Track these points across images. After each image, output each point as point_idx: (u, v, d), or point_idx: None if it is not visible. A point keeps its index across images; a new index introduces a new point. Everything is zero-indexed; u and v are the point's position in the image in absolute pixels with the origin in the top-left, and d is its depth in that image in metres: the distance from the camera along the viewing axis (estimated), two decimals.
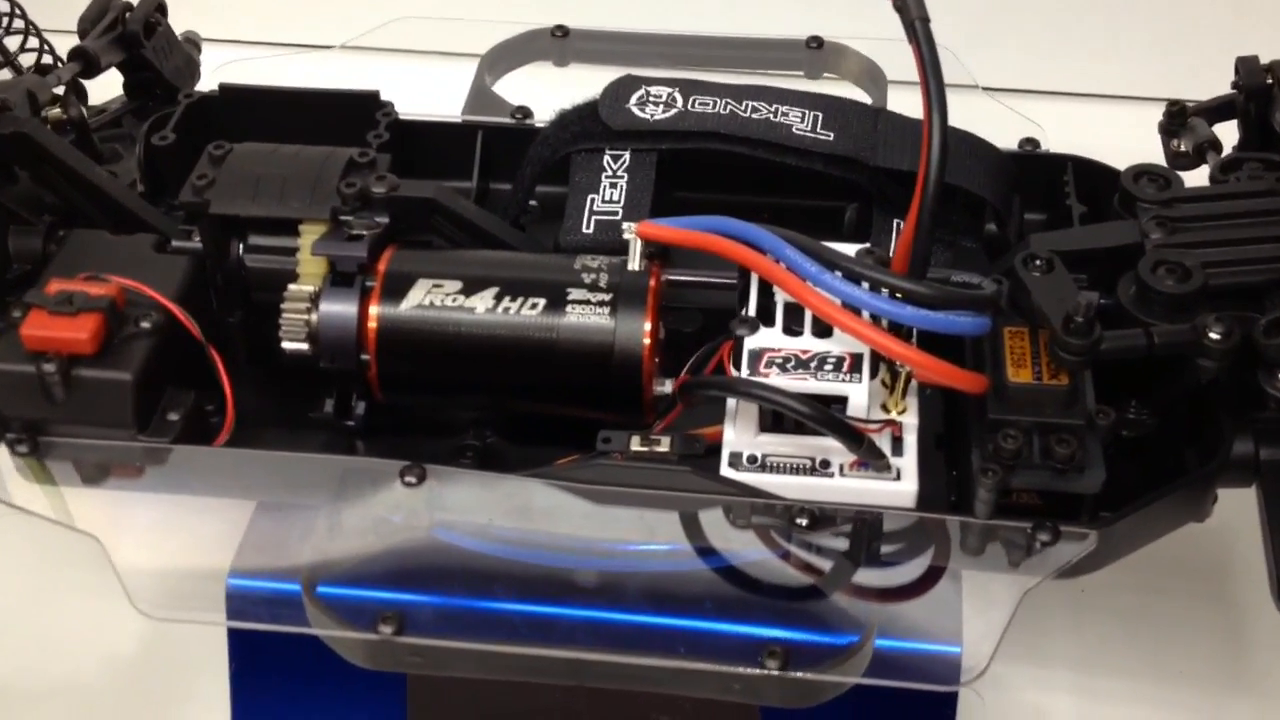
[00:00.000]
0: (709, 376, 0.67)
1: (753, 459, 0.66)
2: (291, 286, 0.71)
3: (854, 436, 0.64)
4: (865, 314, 0.65)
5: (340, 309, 0.70)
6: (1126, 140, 0.86)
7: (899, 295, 0.65)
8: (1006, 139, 0.83)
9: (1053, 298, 0.66)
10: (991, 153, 0.78)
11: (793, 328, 0.67)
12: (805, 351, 0.66)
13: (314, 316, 0.70)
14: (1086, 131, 0.88)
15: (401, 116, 0.84)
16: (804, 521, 0.65)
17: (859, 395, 0.65)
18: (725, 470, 0.66)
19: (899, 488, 0.66)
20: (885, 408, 0.67)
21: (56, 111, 0.84)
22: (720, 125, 0.76)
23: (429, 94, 0.90)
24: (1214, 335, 0.65)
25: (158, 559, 0.67)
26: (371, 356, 0.69)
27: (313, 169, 0.74)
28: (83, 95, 0.88)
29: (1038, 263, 0.68)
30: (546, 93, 0.86)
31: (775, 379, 0.65)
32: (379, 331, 0.69)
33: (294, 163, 0.74)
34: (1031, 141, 0.84)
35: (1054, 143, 0.85)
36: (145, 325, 0.70)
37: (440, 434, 0.73)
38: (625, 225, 0.70)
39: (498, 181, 0.85)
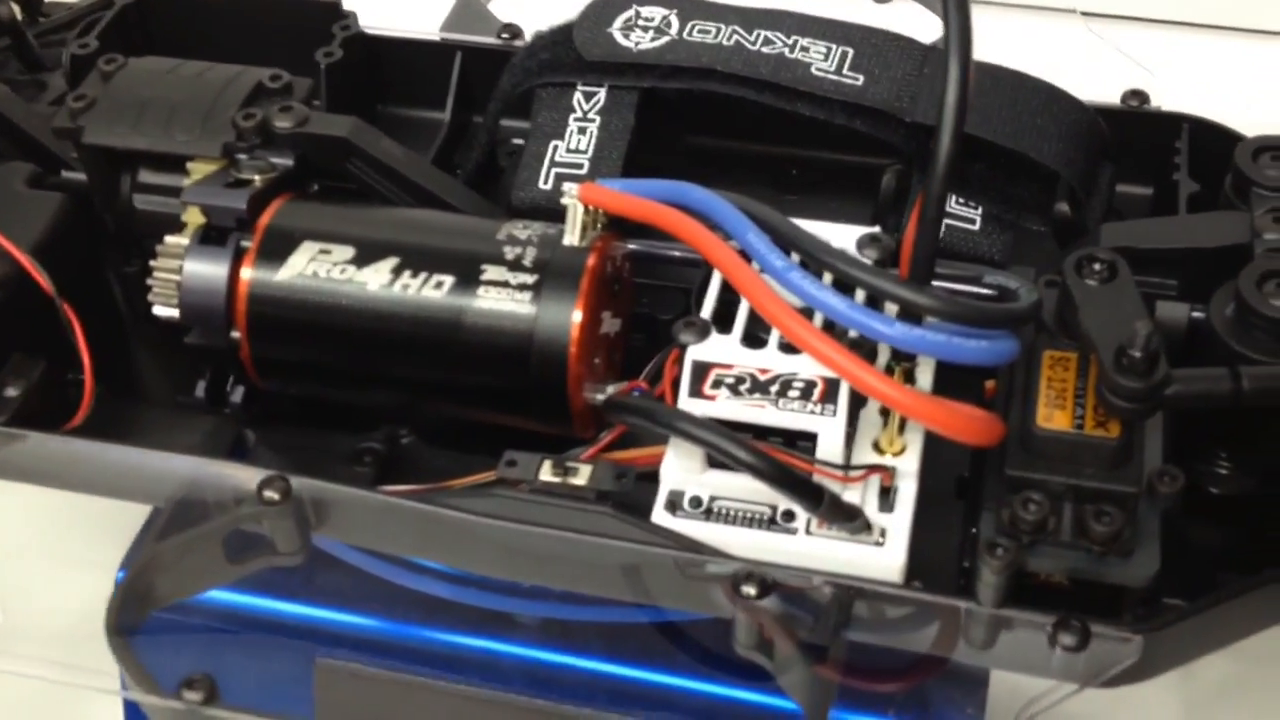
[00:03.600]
0: (629, 398, 0.52)
1: (696, 502, 0.51)
2: (168, 238, 0.58)
3: (810, 493, 0.48)
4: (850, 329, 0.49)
5: (206, 272, 0.56)
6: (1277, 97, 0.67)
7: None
8: (1107, 89, 0.66)
9: (1107, 318, 0.49)
10: (1073, 110, 0.60)
11: (757, 336, 0.51)
12: (765, 370, 0.50)
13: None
14: (1218, 81, 0.69)
15: (368, 31, 0.70)
16: (752, 591, 0.49)
17: (832, 433, 0.49)
18: (659, 514, 0.51)
19: (880, 557, 0.50)
20: (879, 447, 0.51)
21: None
22: (718, 60, 0.60)
23: (414, 4, 0.76)
24: None
25: None
26: (242, 334, 0.56)
27: (210, 94, 0.60)
28: None
29: (1096, 266, 0.51)
30: (559, 9, 0.71)
31: (723, 403, 0.50)
32: (249, 303, 0.55)
33: (192, 85, 0.61)
34: (1139, 95, 0.65)
35: (1173, 93, 0.66)
36: None
37: (347, 428, 0.60)
38: (566, 186, 0.54)
39: (481, 114, 0.70)
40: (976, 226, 0.60)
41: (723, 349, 0.50)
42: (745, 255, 0.51)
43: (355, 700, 0.61)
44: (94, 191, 0.62)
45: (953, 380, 0.54)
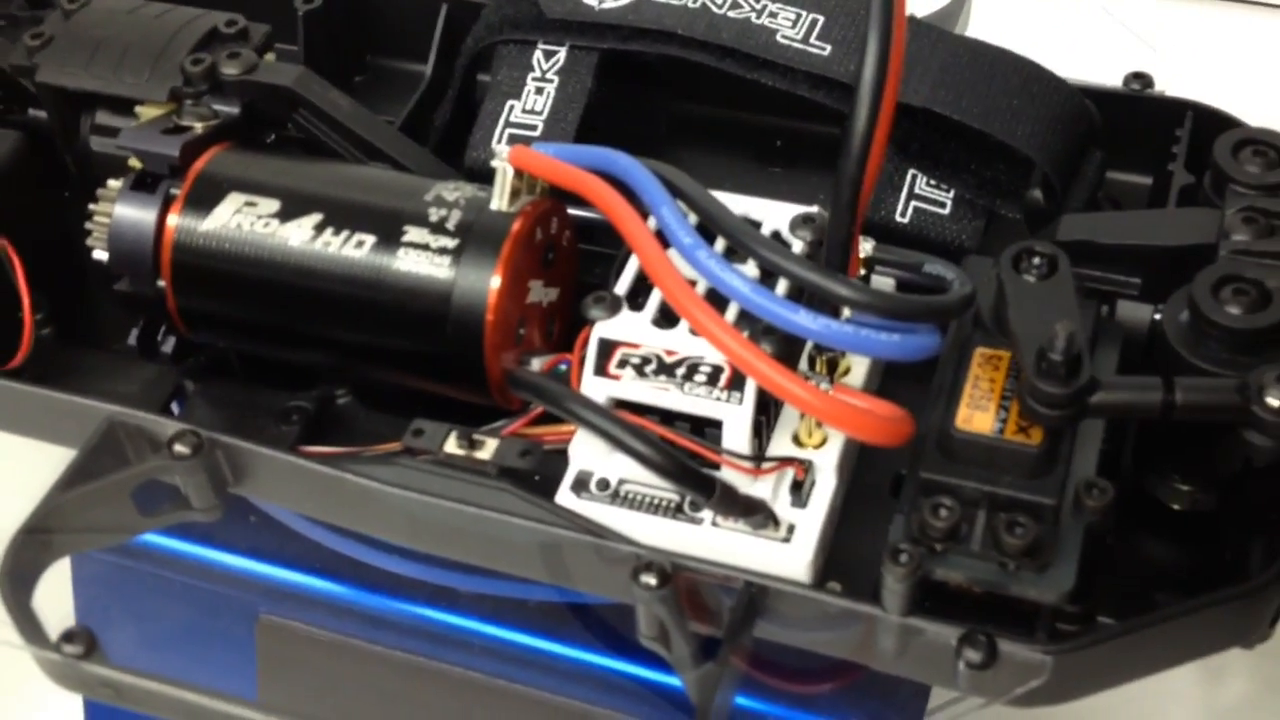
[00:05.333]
0: (527, 373, 0.50)
1: (603, 484, 0.49)
2: (110, 182, 0.57)
3: (699, 483, 0.45)
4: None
5: (134, 218, 0.55)
6: None
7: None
8: (1109, 69, 0.62)
9: (1035, 317, 0.46)
10: (1054, 92, 0.56)
11: (671, 315, 0.48)
12: (671, 352, 0.47)
13: None
14: (1234, 63, 0.64)
15: None
16: (651, 581, 0.47)
17: (738, 422, 0.47)
18: (564, 495, 0.49)
19: (786, 554, 0.47)
20: (798, 440, 0.49)
21: None
22: (681, 24, 0.57)
23: None
24: (1274, 400, 0.44)
25: None
26: (167, 283, 0.55)
27: (163, 37, 0.59)
28: None
29: (1036, 261, 0.47)
30: None
31: (627, 384, 0.48)
32: (174, 251, 0.54)
33: (147, 27, 0.60)
34: (1142, 77, 0.61)
35: (1182, 75, 0.62)
36: None
37: (285, 385, 0.58)
38: (497, 149, 0.52)
39: None
40: (947, 211, 0.57)
41: (632, 327, 0.48)
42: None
43: (298, 661, 0.61)
44: (54, 131, 0.61)
45: (905, 371, 0.51)
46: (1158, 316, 0.51)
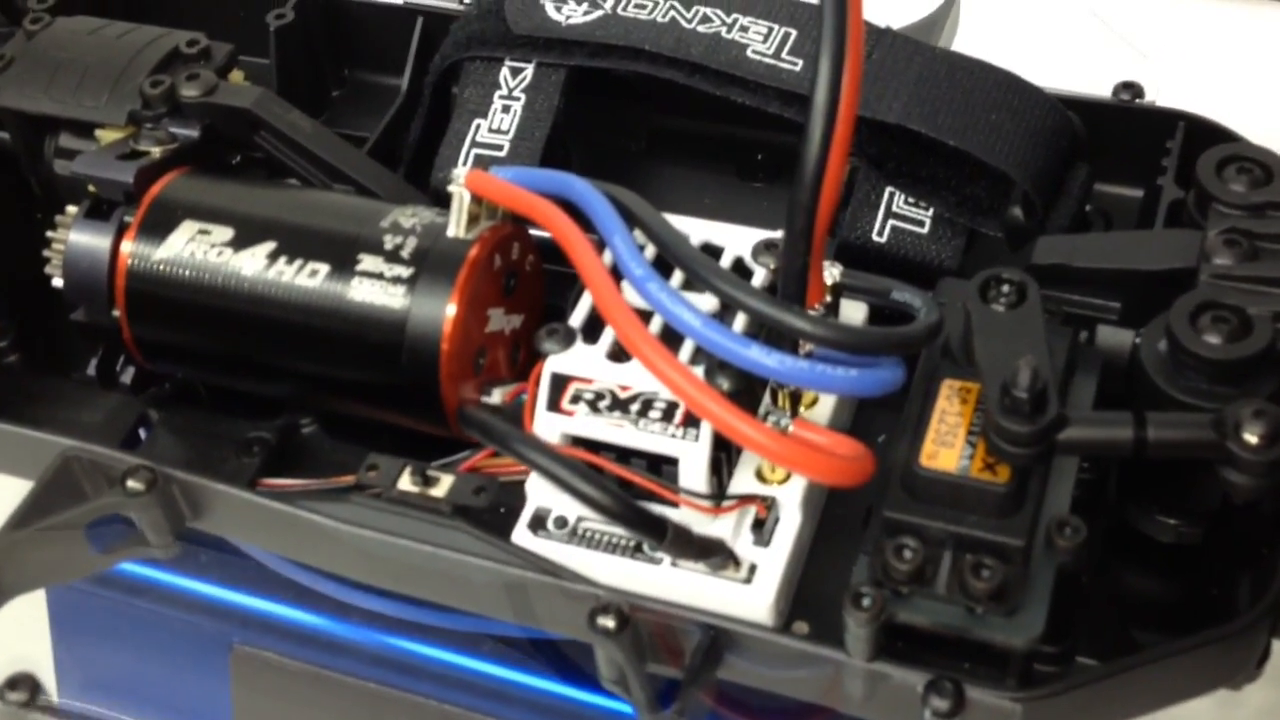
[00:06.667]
0: (475, 412, 0.48)
1: (561, 522, 0.48)
2: (70, 208, 0.56)
3: (651, 526, 0.44)
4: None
5: (89, 246, 0.54)
6: None
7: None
8: (1101, 76, 0.59)
9: (1001, 349, 0.44)
10: (1036, 106, 0.54)
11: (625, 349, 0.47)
12: (625, 388, 0.46)
13: None
14: (1236, 60, 0.61)
15: None
16: (610, 623, 0.45)
17: (694, 459, 0.45)
18: (520, 533, 0.48)
19: (747, 595, 0.46)
20: (761, 475, 0.47)
21: None
22: (649, 39, 0.56)
23: None
24: (1250, 437, 0.42)
25: None
26: (122, 312, 0.53)
27: (124, 58, 0.58)
28: None
29: (1005, 289, 0.45)
30: None
31: (581, 420, 0.46)
32: (128, 280, 0.53)
33: (108, 48, 0.58)
34: (1132, 87, 0.59)
35: (1178, 82, 0.60)
36: None
37: (249, 414, 0.57)
38: (455, 173, 0.51)
39: None
40: (926, 230, 0.55)
41: (585, 361, 0.46)
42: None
43: (274, 691, 0.60)
44: (19, 154, 0.60)
45: (883, 398, 0.49)
46: (1139, 341, 0.49)
